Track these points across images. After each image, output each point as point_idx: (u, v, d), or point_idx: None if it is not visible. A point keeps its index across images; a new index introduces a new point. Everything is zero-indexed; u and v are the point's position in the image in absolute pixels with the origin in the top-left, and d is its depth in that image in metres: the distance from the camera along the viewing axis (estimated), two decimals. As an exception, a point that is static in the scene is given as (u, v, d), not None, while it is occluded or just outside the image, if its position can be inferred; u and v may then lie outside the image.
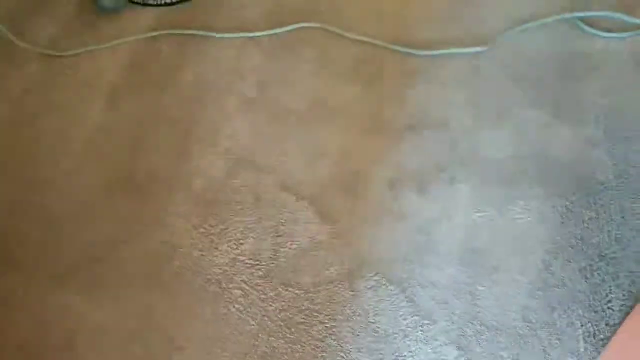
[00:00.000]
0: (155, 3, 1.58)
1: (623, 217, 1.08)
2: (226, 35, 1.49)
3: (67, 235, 1.16)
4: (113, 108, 1.38)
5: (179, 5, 1.58)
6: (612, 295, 1.00)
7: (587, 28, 1.39)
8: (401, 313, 1.02)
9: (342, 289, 1.05)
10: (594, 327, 0.97)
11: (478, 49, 1.38)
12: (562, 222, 1.09)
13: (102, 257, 1.13)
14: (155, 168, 1.25)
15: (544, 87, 1.30)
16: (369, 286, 1.05)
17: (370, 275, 1.06)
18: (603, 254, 1.04)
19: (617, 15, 1.40)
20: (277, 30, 1.48)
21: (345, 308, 1.03)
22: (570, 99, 1.27)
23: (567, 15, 1.42)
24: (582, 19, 1.41)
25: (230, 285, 1.07)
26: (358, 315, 1.03)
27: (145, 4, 1.58)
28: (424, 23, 1.46)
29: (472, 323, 1.00)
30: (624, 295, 0.99)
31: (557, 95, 1.28)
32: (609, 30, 1.38)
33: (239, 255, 1.11)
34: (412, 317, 1.01)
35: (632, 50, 1.35)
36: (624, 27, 1.39)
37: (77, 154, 1.30)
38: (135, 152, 1.28)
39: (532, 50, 1.37)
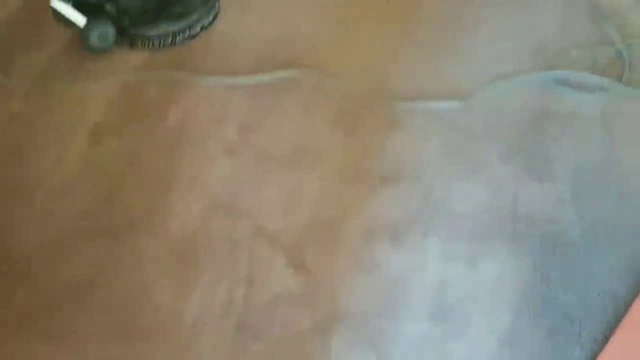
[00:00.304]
0: (143, 45, 1.61)
1: (589, 277, 1.11)
2: (212, 79, 1.52)
3: (36, 276, 1.15)
4: (94, 148, 1.40)
5: (167, 48, 1.62)
6: (576, 357, 1.02)
7: (560, 87, 1.44)
8: (370, 368, 1.03)
9: (312, 343, 1.06)
10: (559, 387, 0.99)
11: (455, 103, 1.42)
12: (530, 280, 1.11)
13: (70, 302, 1.12)
14: (132, 211, 1.26)
15: (516, 143, 1.34)
16: (340, 341, 1.06)
17: (343, 329, 1.07)
18: (568, 314, 1.07)
19: (589, 76, 1.46)
20: (263, 77, 1.52)
21: (315, 361, 1.04)
22: (542, 156, 1.31)
23: (542, 73, 1.47)
24: (555, 78, 1.46)
25: (200, 336, 1.07)
26: (327, 369, 1.03)
27: (133, 45, 1.61)
28: (406, 76, 1.51)
29: (439, 379, 1.01)
30: (587, 356, 1.01)
31: (529, 151, 1.32)
32: (581, 90, 1.43)
33: (210, 304, 1.11)
34: (380, 371, 1.02)
35: (602, 109, 1.40)
36: (595, 87, 1.44)
37: (54, 193, 1.31)
38: (113, 194, 1.29)
39: (506, 106, 1.42)
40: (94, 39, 1.56)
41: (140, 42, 1.60)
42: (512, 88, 1.45)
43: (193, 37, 1.63)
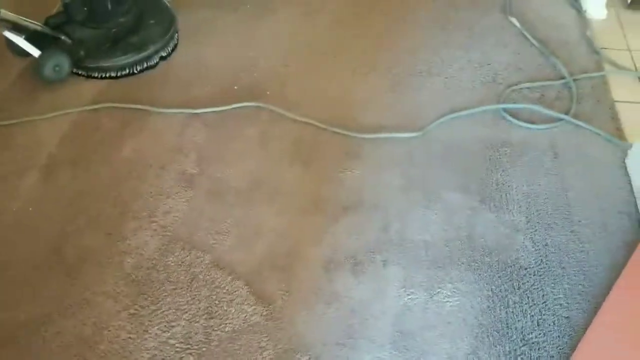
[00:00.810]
0: (99, 76, 1.59)
1: (545, 302, 1.14)
2: (169, 110, 1.51)
3: (-12, 314, 1.10)
4: (48, 181, 1.36)
5: (123, 79, 1.60)
6: (535, 381, 1.03)
7: (511, 119, 1.50)
8: (332, 400, 1.01)
9: (273, 375, 1.04)
10: (519, 413, 1.00)
11: (412, 134, 1.45)
12: (488, 306, 1.13)
13: (21, 339, 1.07)
14: (87, 245, 1.22)
15: (471, 173, 1.38)
16: (301, 371, 1.04)
17: (304, 359, 1.06)
18: (526, 339, 1.08)
19: (539, 108, 1.52)
20: (222, 108, 1.52)
21: (276, 395, 1.02)
22: (495, 185, 1.35)
23: (493, 106, 1.53)
24: (507, 111, 1.52)
25: (159, 371, 1.04)
26: (289, 403, 1.01)
27: (89, 76, 1.59)
28: (364, 109, 1.54)
29: (402, 410, 1.00)
30: (545, 381, 1.03)
31: (483, 181, 1.36)
32: (531, 122, 1.49)
33: (169, 338, 1.08)
34: (343, 404, 1.01)
35: (552, 141, 1.46)
36: (545, 119, 1.51)
37: (6, 227, 1.26)
38: (67, 228, 1.25)
39: (460, 137, 1.46)
40: (49, 69, 1.53)
41: (96, 73, 1.59)
42: (466, 119, 1.50)
43: (151, 67, 1.62)
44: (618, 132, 1.47)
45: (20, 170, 1.37)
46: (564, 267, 1.19)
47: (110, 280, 1.16)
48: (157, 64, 1.64)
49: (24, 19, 1.55)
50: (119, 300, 1.13)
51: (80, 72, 1.60)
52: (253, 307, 1.13)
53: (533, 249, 1.22)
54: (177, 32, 1.71)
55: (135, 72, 1.60)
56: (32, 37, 1.55)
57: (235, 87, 1.60)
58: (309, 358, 1.06)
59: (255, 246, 1.23)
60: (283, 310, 1.13)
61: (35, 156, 1.41)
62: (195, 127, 1.49)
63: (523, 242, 1.23)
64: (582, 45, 1.73)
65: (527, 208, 1.30)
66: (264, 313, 1.12)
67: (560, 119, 1.50)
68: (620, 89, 1.60)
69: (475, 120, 1.50)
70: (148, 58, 1.62)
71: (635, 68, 1.67)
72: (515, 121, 1.49)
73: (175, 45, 1.70)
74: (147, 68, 1.62)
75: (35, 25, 1.56)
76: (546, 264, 1.20)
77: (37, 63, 1.54)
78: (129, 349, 1.06)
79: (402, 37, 1.76)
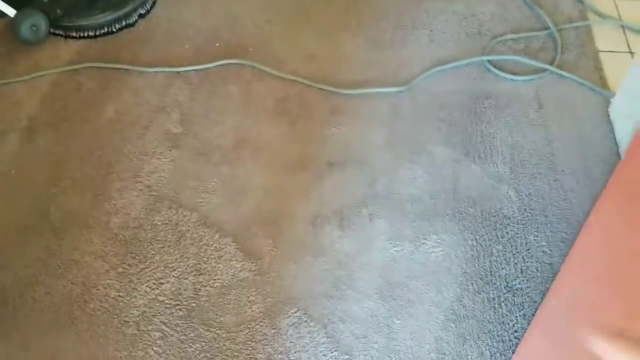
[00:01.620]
0: (77, 35, 1.55)
1: (528, 250, 1.16)
2: (151, 69, 1.49)
3: (-25, 277, 1.10)
4: (29, 143, 1.34)
5: (102, 38, 1.57)
6: (519, 325, 1.06)
7: (496, 71, 1.49)
8: (321, 349, 1.03)
9: (263, 327, 1.06)
10: (502, 356, 1.03)
11: (396, 89, 1.45)
12: (473, 255, 1.15)
13: (10, 300, 1.08)
14: (72, 206, 1.22)
15: (456, 126, 1.38)
16: (290, 323, 1.06)
17: (292, 312, 1.08)
18: (510, 286, 1.11)
19: (523, 59, 1.51)
20: (204, 66, 1.50)
21: (267, 347, 1.04)
22: (480, 137, 1.35)
23: (478, 58, 1.51)
24: (491, 62, 1.51)
25: (149, 327, 1.05)
26: (279, 354, 1.03)
27: (67, 36, 1.56)
28: (348, 64, 1.52)
29: (389, 357, 1.03)
30: (529, 324, 1.05)
31: (467, 134, 1.36)
32: (516, 74, 1.49)
33: (158, 295, 1.09)
34: (332, 353, 1.03)
35: (537, 92, 1.46)
36: (530, 71, 1.50)
37: (-12, 191, 1.25)
38: (50, 190, 1.25)
39: (445, 91, 1.45)
40: (25, 30, 1.50)
41: (74, 33, 1.55)
42: (451, 72, 1.49)
43: (130, 25, 1.59)
44: (602, 82, 1.47)
45: (1, 133, 1.35)
46: (546, 216, 1.21)
47: (97, 241, 1.16)
48: (136, 22, 1.60)
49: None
50: (107, 259, 1.14)
51: (57, 32, 1.56)
52: (241, 262, 1.14)
53: (517, 199, 1.24)
54: (155, -11, 1.67)
55: (114, 30, 1.57)
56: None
57: (217, 45, 1.57)
58: (298, 310, 1.08)
59: (242, 204, 1.23)
60: (271, 265, 1.14)
61: (15, 119, 1.39)
62: (178, 86, 1.47)
63: (507, 192, 1.25)
64: (567, -5, 1.71)
65: (511, 159, 1.31)
66: (253, 268, 1.13)
67: (545, 70, 1.49)
68: (604, 39, 1.59)
69: (460, 73, 1.49)
70: (127, 16, 1.58)
71: (620, 17, 1.66)
72: (499, 73, 1.49)
73: (154, 2, 1.65)
74: (126, 26, 1.58)
75: (7, -17, 1.51)
76: (529, 212, 1.21)
77: (13, 23, 1.50)
78: (119, 307, 1.07)
79: (386, -10, 1.73)
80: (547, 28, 1.60)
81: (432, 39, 1.59)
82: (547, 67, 1.49)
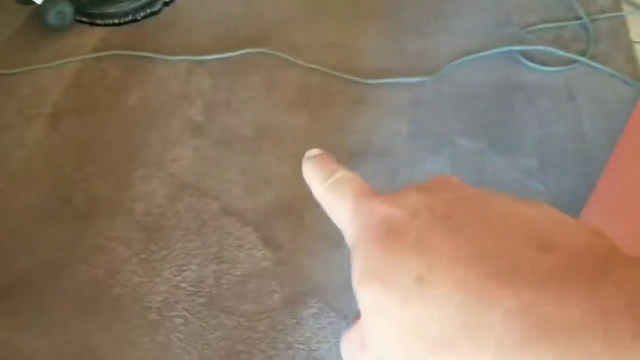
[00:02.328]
0: (102, 23, 1.56)
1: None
2: (174, 57, 1.49)
3: (6, 256, 1.12)
4: (54, 129, 1.35)
5: (127, 26, 1.57)
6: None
7: (525, 61, 1.45)
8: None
9: (284, 317, 1.05)
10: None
11: (421, 79, 1.42)
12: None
13: (35, 283, 1.09)
14: (95, 192, 1.22)
15: (482, 118, 1.35)
16: (311, 313, 1.05)
17: (313, 302, 1.07)
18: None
19: (554, 49, 1.47)
20: (226, 55, 1.49)
21: (287, 336, 1.03)
22: (508, 129, 1.32)
23: (507, 48, 1.48)
24: (521, 53, 1.47)
25: (171, 313, 1.06)
26: (300, 344, 1.02)
27: (92, 24, 1.56)
28: (371, 53, 1.50)
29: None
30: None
31: (495, 125, 1.33)
32: (546, 64, 1.45)
33: (180, 282, 1.09)
34: (352, 344, 1.02)
35: (567, 83, 1.42)
36: (560, 61, 1.46)
37: (13, 176, 1.26)
38: (75, 176, 1.25)
39: (472, 81, 1.42)
40: (52, 17, 1.50)
41: (99, 20, 1.56)
42: (478, 63, 1.46)
43: (154, 14, 1.59)
44: (635, 74, 1.42)
45: (26, 119, 1.37)
46: (576, 210, 1.18)
47: (120, 227, 1.17)
48: (160, 10, 1.60)
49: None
50: (130, 245, 1.14)
51: (82, 19, 1.56)
52: (262, 252, 1.14)
53: (545, 193, 1.20)
54: (180, -23, 1.66)
55: (139, 18, 1.57)
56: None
57: (240, 33, 1.56)
58: (318, 301, 1.07)
59: (263, 193, 1.22)
60: (292, 255, 1.13)
61: (40, 105, 1.40)
62: (201, 75, 1.46)
63: (535, 186, 1.22)
64: (600, -16, 1.66)
65: (540, 152, 1.28)
66: (273, 258, 1.13)
67: (576, 61, 1.45)
68: (639, 30, 1.54)
69: (488, 63, 1.46)
70: (151, 4, 1.58)
71: (656, 7, 1.60)
72: (529, 63, 1.45)
73: (179, -9, 1.65)
74: (150, 14, 1.58)
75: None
76: (558, 207, 1.18)
77: (40, 10, 1.51)
78: (141, 292, 1.08)
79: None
80: (579, 18, 1.56)
81: (459, 27, 1.55)
82: (579, 58, 1.45)
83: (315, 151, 0.28)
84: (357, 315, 0.24)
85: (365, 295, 0.21)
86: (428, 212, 0.21)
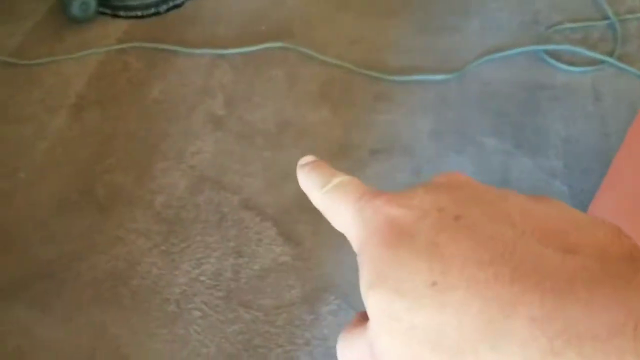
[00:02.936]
0: (125, 15, 1.56)
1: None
2: (196, 50, 1.48)
3: (20, 248, 1.12)
4: (76, 120, 1.36)
5: (149, 19, 1.57)
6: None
7: (551, 61, 1.43)
8: (361, 338, 1.01)
9: (302, 313, 1.05)
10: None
11: (446, 76, 1.40)
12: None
13: (55, 273, 1.09)
14: (116, 184, 1.23)
15: (507, 117, 1.33)
16: (329, 310, 1.05)
17: (332, 299, 1.06)
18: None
19: (581, 49, 1.45)
20: (249, 49, 1.49)
21: (305, 332, 1.03)
22: (533, 129, 1.30)
23: (533, 47, 1.46)
24: (547, 52, 1.45)
25: (190, 306, 1.05)
26: (318, 340, 1.02)
27: (115, 15, 1.57)
28: (395, 50, 1.48)
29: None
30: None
31: (519, 125, 1.31)
32: (573, 64, 1.42)
33: (199, 275, 1.09)
34: (371, 342, 1.01)
35: (593, 84, 1.39)
36: (587, 62, 1.43)
37: (36, 166, 1.27)
38: (96, 167, 1.26)
39: (497, 80, 1.40)
40: (76, 8, 1.51)
41: (122, 12, 1.56)
42: (503, 61, 1.44)
43: (177, 7, 1.59)
44: (665, 76, 1.40)
45: (49, 109, 1.38)
46: (601, 213, 1.15)
47: (141, 219, 1.17)
48: (183, 3, 1.60)
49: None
50: (150, 237, 1.14)
51: (106, 11, 1.57)
52: (281, 247, 1.13)
53: (570, 195, 1.18)
54: (203, -29, 1.66)
55: (162, 11, 1.57)
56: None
57: (263, 27, 1.55)
58: (336, 297, 1.06)
59: (284, 188, 1.22)
60: (311, 251, 1.12)
61: (63, 96, 1.40)
62: (223, 68, 1.46)
63: (560, 188, 1.20)
64: (629, -16, 1.63)
65: (565, 153, 1.26)
66: (292, 253, 1.12)
67: (603, 62, 1.42)
68: (669, 30, 1.51)
69: (513, 62, 1.44)
70: (174, -3, 1.58)
71: (687, 8, 1.57)
72: (555, 63, 1.42)
73: (202, -16, 1.65)
74: (173, 7, 1.58)
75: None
76: (583, 209, 1.16)
77: (64, 1, 1.52)
78: (161, 284, 1.08)
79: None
80: (607, 18, 1.53)
81: (484, 25, 1.53)
82: (606, 58, 1.42)
83: (308, 158, 0.27)
84: (359, 318, 0.23)
85: (375, 302, 0.20)
86: (438, 213, 0.20)
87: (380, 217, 0.21)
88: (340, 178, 0.25)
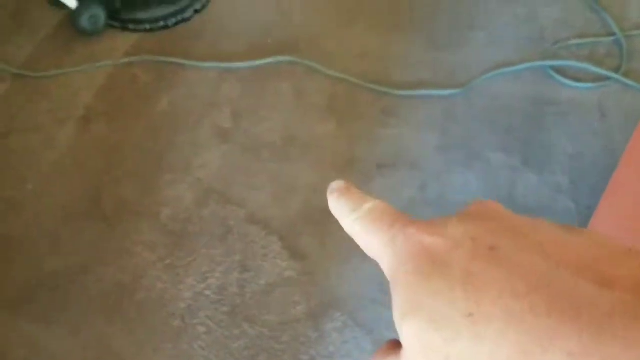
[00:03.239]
0: (134, 28, 1.58)
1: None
2: (204, 64, 1.49)
3: (26, 259, 1.13)
4: (85, 132, 1.36)
5: (158, 32, 1.58)
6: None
7: (558, 77, 1.43)
8: (366, 357, 1.01)
9: (307, 329, 1.04)
10: None
11: (452, 91, 1.41)
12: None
13: (61, 285, 1.10)
14: (123, 196, 1.23)
15: (513, 133, 1.33)
16: (334, 327, 1.04)
17: (337, 315, 1.06)
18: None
19: (587, 66, 1.45)
20: (256, 63, 1.49)
21: (310, 349, 1.02)
22: (539, 145, 1.30)
23: (539, 63, 1.46)
24: (553, 68, 1.45)
25: (194, 321, 1.05)
26: (323, 357, 1.01)
27: (124, 29, 1.58)
28: (402, 65, 1.49)
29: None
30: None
31: (526, 141, 1.31)
32: (579, 80, 1.42)
33: (204, 289, 1.09)
34: None
35: (600, 100, 1.39)
36: (593, 78, 1.43)
37: (44, 177, 1.28)
38: (103, 179, 1.26)
39: (503, 95, 1.40)
40: (85, 21, 1.52)
41: (131, 25, 1.57)
42: (509, 77, 1.44)
43: (185, 21, 1.60)
44: (672, 92, 1.39)
45: (57, 121, 1.38)
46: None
47: (147, 231, 1.17)
48: (191, 17, 1.61)
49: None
50: (155, 250, 1.14)
51: (115, 24, 1.58)
52: (287, 262, 1.13)
53: (576, 211, 1.18)
54: (211, -16, 1.68)
55: (170, 25, 1.58)
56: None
57: (269, 41, 1.56)
58: (342, 314, 1.06)
59: (290, 202, 1.22)
60: (317, 265, 1.12)
61: (72, 107, 1.41)
62: (230, 82, 1.47)
63: (566, 204, 1.19)
64: (634, 1, 1.63)
65: (571, 169, 1.25)
66: (298, 268, 1.12)
67: (609, 78, 1.42)
68: (676, 47, 1.51)
69: (520, 78, 1.44)
70: (182, 11, 1.59)
71: (694, 24, 1.57)
72: (561, 79, 1.42)
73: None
74: (182, 21, 1.59)
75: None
76: (588, 226, 1.16)
77: (73, 14, 1.53)
78: (166, 298, 1.08)
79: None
80: (613, 34, 1.53)
81: (491, 41, 1.54)
82: (612, 75, 1.42)
83: (338, 183, 0.27)
84: (390, 346, 0.23)
85: (410, 331, 0.20)
86: (471, 242, 0.20)
87: (413, 245, 0.21)
88: (371, 204, 0.25)
